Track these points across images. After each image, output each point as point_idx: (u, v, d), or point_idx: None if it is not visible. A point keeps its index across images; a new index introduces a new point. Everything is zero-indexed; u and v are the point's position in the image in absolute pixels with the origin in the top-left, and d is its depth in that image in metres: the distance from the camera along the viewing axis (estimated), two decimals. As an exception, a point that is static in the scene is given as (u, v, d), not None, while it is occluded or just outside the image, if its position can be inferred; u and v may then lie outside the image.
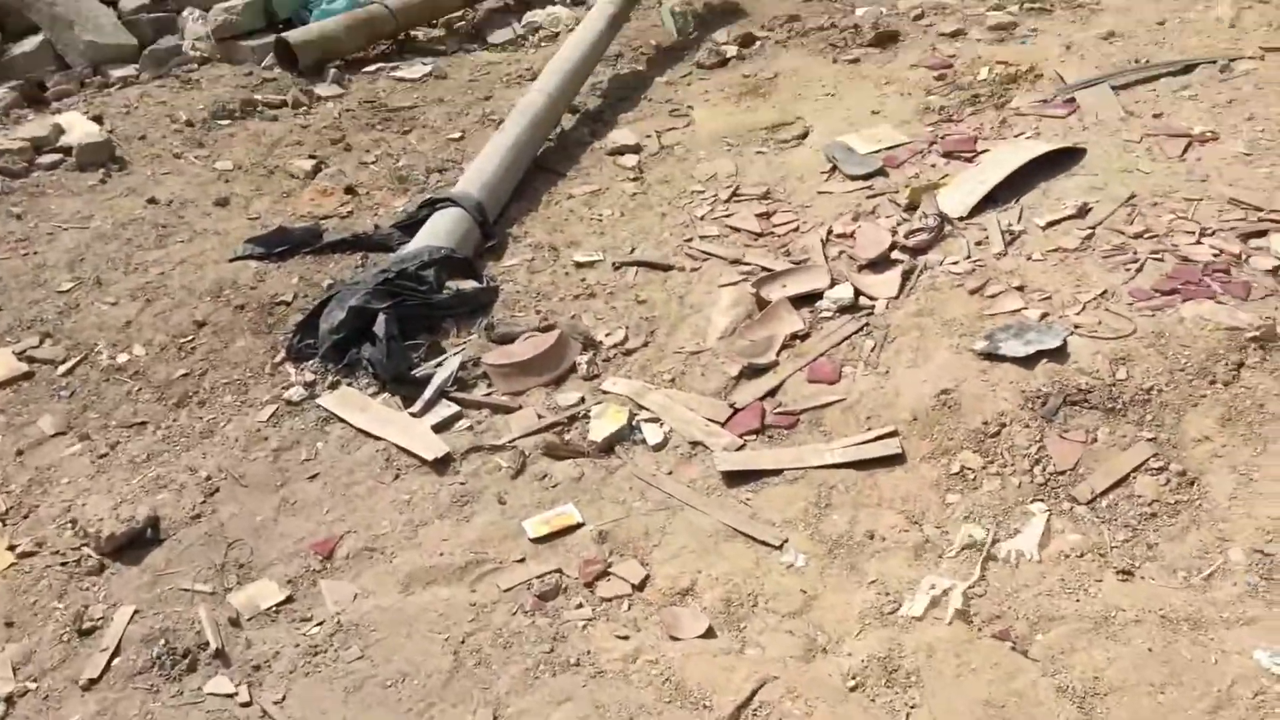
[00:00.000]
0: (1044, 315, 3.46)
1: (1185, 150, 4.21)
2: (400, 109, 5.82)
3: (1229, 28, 5.19)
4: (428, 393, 3.64)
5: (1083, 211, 3.94)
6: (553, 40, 6.78)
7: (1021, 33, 5.62)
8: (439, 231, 4.30)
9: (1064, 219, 3.93)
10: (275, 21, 6.72)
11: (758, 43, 6.24)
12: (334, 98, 5.98)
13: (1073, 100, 4.75)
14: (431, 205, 4.49)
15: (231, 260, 4.42)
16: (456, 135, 5.48)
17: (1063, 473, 3.00)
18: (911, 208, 4.20)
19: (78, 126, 5.46)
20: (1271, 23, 5.13)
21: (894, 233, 4.05)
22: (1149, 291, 3.47)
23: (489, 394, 3.68)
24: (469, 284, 4.18)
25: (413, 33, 6.86)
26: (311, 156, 5.27)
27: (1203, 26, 5.28)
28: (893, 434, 3.22)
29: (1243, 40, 5.04)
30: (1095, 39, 5.31)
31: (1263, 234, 3.66)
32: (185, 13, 6.64)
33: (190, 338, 4.01)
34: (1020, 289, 3.62)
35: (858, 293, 3.81)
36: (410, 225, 4.47)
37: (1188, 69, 4.84)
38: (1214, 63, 4.83)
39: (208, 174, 5.17)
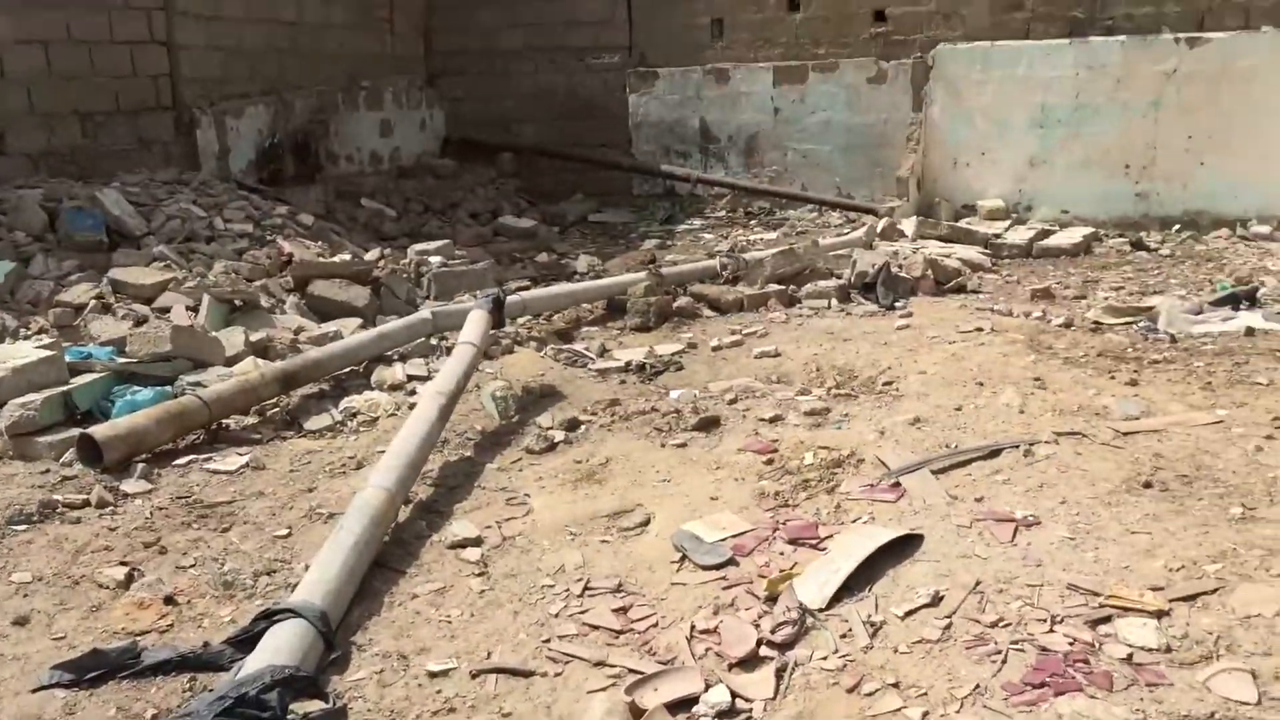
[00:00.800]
0: (925, 714, 3.47)
1: (1014, 535, 4.49)
2: (218, 504, 5.54)
3: (1019, 413, 5.74)
4: (279, 844, 3.24)
5: (936, 600, 4.07)
6: (372, 425, 6.75)
7: (835, 418, 6.01)
8: (280, 647, 3.97)
9: (920, 608, 4.04)
10: (75, 414, 6.41)
11: (583, 426, 6.40)
12: (143, 494, 5.64)
13: (898, 485, 5.04)
14: (269, 617, 4.19)
15: (35, 691, 3.90)
16: (283, 532, 5.22)
17: None
18: (771, 599, 4.24)
19: None
20: (1054, 408, 5.72)
21: (758, 627, 4.05)
22: (1020, 685, 3.55)
23: (348, 839, 3.31)
24: (315, 706, 3.83)
25: (225, 421, 6.68)
26: (123, 563, 4.86)
27: (995, 411, 5.80)
28: None
29: (1033, 424, 5.55)
30: (904, 424, 5.73)
31: (1107, 620, 3.87)
32: (-23, 409, 6.25)
33: (-14, 794, 3.47)
34: (896, 685, 3.63)
35: (734, 694, 3.72)
36: (245, 640, 4.13)
37: (994, 453, 5.27)
38: (1016, 447, 5.29)
39: (3, 588, 4.66)
